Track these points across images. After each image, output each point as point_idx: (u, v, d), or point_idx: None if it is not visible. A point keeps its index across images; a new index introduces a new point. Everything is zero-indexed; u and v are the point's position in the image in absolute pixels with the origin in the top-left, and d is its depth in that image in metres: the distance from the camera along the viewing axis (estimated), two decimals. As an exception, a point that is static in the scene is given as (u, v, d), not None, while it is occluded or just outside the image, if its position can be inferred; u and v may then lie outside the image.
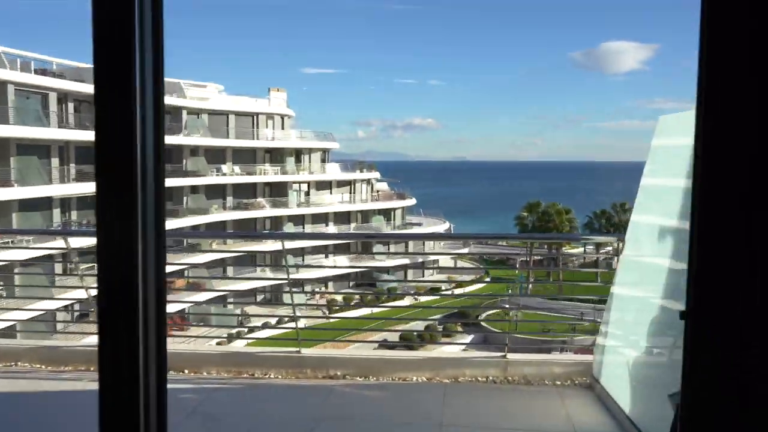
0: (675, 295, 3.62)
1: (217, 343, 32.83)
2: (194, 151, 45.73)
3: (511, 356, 5.14)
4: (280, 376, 5.15)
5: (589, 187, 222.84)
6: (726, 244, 1.61)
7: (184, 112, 45.19)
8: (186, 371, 5.27)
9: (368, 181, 59.37)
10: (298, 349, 5.26)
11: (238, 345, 33.52)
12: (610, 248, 64.70)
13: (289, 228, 51.02)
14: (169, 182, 41.68)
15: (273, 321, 34.37)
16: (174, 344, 6.03)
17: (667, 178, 3.91)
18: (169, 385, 4.50)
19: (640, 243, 4.33)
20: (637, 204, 4.27)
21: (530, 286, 52.91)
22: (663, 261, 3.78)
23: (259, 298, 45.47)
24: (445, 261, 64.59)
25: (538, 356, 5.36)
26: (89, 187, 34.34)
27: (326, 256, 54.51)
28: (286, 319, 41.03)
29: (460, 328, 45.60)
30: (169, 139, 42.61)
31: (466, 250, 66.23)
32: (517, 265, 69.29)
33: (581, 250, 69.64)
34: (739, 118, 1.62)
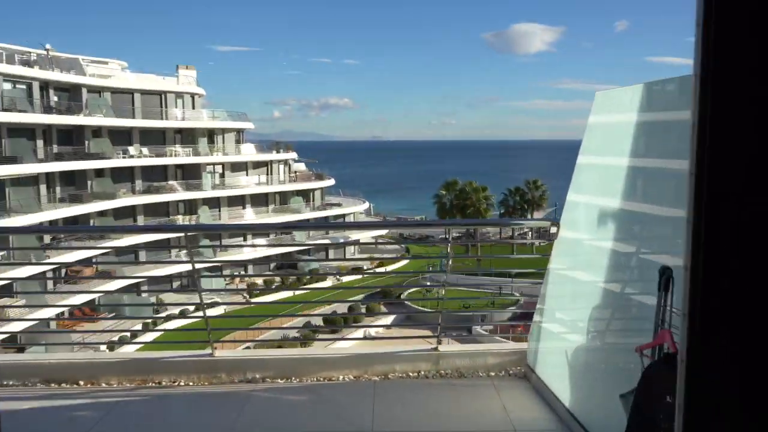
0: (617, 277, 3.45)
1: (129, 334, 31.19)
2: (97, 132, 42.91)
3: (442, 348, 4.86)
4: (191, 383, 4.62)
5: (504, 165, 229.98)
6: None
7: (84, 91, 42.21)
8: (81, 383, 4.62)
9: (285, 162, 58.13)
10: (210, 351, 4.73)
11: (147, 338, 31.79)
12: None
13: (204, 211, 49.16)
14: (71, 165, 38.99)
15: (191, 308, 33.11)
16: (71, 352, 5.32)
17: (607, 157, 3.70)
18: (60, 402, 3.84)
19: (577, 224, 4.13)
20: (574, 183, 4.03)
21: (450, 262, 54.16)
22: (604, 243, 3.58)
23: (176, 284, 43.73)
24: (366, 240, 64.63)
25: (471, 347, 5.11)
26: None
27: (245, 239, 53.12)
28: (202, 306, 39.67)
29: (384, 308, 45.79)
30: (69, 120, 39.77)
31: (385, 231, 66.59)
32: (436, 242, 70.69)
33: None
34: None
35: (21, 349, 31.39)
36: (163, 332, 35.83)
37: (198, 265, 5.22)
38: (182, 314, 27.17)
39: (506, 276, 42.65)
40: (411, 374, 4.73)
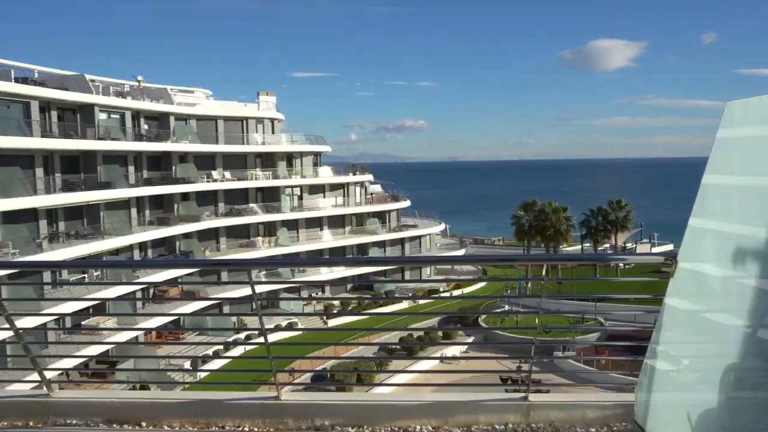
0: (764, 322, 2.80)
1: (202, 357, 31.81)
2: (183, 157, 44.79)
3: (533, 398, 4.27)
4: (256, 428, 4.28)
5: (583, 185, 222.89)
6: None
7: (172, 119, 44.25)
8: (143, 424, 4.39)
9: (362, 184, 58.51)
10: (276, 394, 4.38)
11: (215, 364, 32.29)
12: (607, 246, 64.08)
13: (283, 233, 50.05)
14: (159, 189, 40.74)
15: (271, 325, 33.53)
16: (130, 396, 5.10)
17: (747, 176, 3.05)
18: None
19: (705, 255, 3.47)
20: (698, 207, 3.37)
21: (529, 284, 52.34)
22: (744, 279, 2.93)
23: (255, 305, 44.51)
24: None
25: (566, 397, 4.49)
26: (76, 197, 33.41)
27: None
28: (284, 324, 40.14)
29: (460, 332, 44.71)
30: (158, 146, 41.70)
31: (462, 251, 65.54)
32: (515, 265, 68.85)
33: (578, 248, 69.07)
34: None
35: (113, 364, 32.75)
36: (229, 359, 36.65)
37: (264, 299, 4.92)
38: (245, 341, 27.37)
39: (588, 300, 40.59)
40: (497, 427, 4.18)
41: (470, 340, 44.27)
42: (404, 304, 50.13)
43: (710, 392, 3.16)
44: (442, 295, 50.07)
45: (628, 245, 69.47)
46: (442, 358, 37.68)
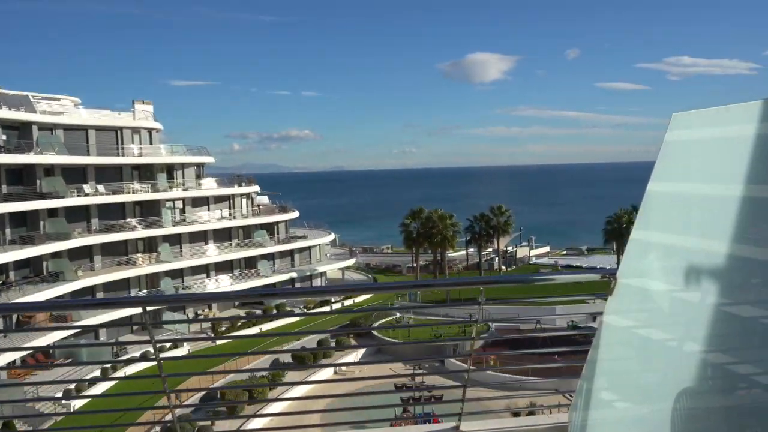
0: (717, 343, 2.68)
1: (90, 380, 29.38)
2: (49, 170, 41.24)
3: (466, 426, 4.09)
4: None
5: (466, 192, 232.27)
6: None
7: (35, 128, 40.66)
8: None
9: (248, 195, 57.00)
10: (170, 419, 3.94)
11: (103, 386, 30.10)
12: (490, 250, 66.76)
13: (165, 249, 47.50)
14: (21, 206, 37.19)
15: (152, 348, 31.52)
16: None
17: (699, 183, 2.91)
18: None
19: (649, 271, 3.31)
20: (642, 218, 3.18)
21: (419, 292, 53.46)
22: (695, 295, 2.81)
23: (137, 319, 41.87)
24: (333, 272, 63.57)
25: (500, 423, 4.31)
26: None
27: (208, 276, 51.53)
28: (168, 345, 37.94)
29: (353, 341, 44.63)
30: (18, 158, 38.12)
31: (352, 261, 65.70)
32: (404, 272, 70.12)
33: (463, 253, 71.69)
34: None
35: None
36: (117, 380, 34.22)
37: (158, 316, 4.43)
38: (138, 360, 25.71)
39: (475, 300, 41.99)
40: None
41: (364, 350, 44.30)
42: (296, 319, 49.30)
43: (651, 415, 3.11)
44: (335, 306, 49.75)
45: (509, 248, 73.10)
46: (335, 364, 37.34)
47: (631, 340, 3.50)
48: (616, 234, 59.23)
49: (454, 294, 48.79)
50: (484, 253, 66.24)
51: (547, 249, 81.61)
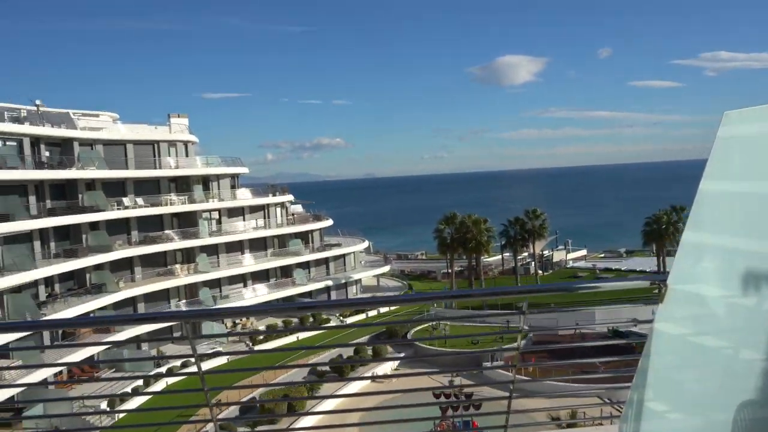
0: None
1: (134, 389, 29.89)
2: (90, 185, 42.33)
3: None
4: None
5: (498, 196, 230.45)
6: None
7: (76, 144, 41.79)
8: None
9: (282, 205, 57.56)
10: (213, 429, 3.94)
11: (144, 397, 30.64)
12: (526, 254, 65.95)
13: (202, 259, 48.27)
14: (65, 220, 38.24)
15: (193, 359, 31.97)
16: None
17: (754, 181, 2.71)
18: None
19: (703, 274, 3.13)
20: (695, 219, 2.98)
21: (453, 302, 53.00)
22: (754, 301, 2.64)
23: (177, 333, 42.55)
24: (368, 279, 63.66)
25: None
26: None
27: (245, 285, 52.15)
28: (207, 355, 38.44)
29: (389, 348, 44.51)
30: (61, 174, 39.24)
31: (387, 268, 65.69)
32: (439, 278, 69.74)
33: (499, 258, 70.95)
34: None
35: (19, 411, 30.12)
36: (158, 393, 34.81)
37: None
38: (179, 371, 26.05)
39: (515, 308, 41.48)
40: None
41: (401, 356, 44.17)
42: (332, 324, 49.35)
43: (709, 427, 2.96)
44: (370, 313, 49.71)
45: (546, 252, 72.11)
46: (373, 378, 37.27)
47: (684, 349, 3.35)
48: (656, 235, 57.84)
49: (491, 300, 48.27)
50: (519, 257, 65.43)
51: (584, 252, 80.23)
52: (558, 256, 74.34)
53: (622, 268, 66.69)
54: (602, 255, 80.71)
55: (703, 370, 3.12)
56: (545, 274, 67.40)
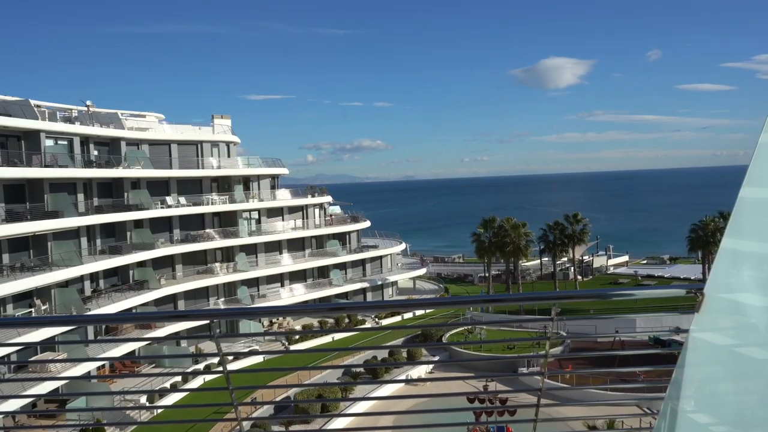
0: None
1: (172, 385, 30.57)
2: (135, 183, 43.49)
3: None
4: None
5: (538, 200, 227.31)
6: None
7: (123, 144, 43.00)
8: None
9: (320, 206, 58.02)
10: (238, 428, 3.99)
11: (173, 397, 31.18)
12: (565, 259, 64.90)
13: (241, 258, 49.04)
14: (111, 217, 39.37)
15: (229, 358, 32.48)
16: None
17: None
18: None
19: (745, 284, 3.03)
20: (734, 226, 2.89)
21: (490, 307, 52.60)
22: None
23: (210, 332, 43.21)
24: (404, 282, 63.62)
25: None
26: (22, 228, 31.91)
27: (282, 285, 52.74)
28: (245, 351, 39.01)
29: (424, 351, 44.38)
30: (108, 173, 40.41)
31: (423, 270, 65.51)
32: (476, 281, 69.19)
33: (537, 262, 69.94)
34: None
35: (63, 403, 31.15)
36: (192, 390, 35.47)
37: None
38: (215, 368, 26.38)
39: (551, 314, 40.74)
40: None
41: (435, 359, 44.00)
42: (367, 325, 49.46)
43: None
44: (405, 315, 49.58)
45: (586, 258, 70.77)
46: (407, 381, 37.22)
47: (722, 360, 3.23)
48: (702, 242, 56.13)
49: (529, 305, 47.66)
50: (559, 262, 64.37)
51: (626, 258, 78.41)
52: (598, 261, 72.84)
53: (665, 275, 64.93)
54: (644, 261, 78.73)
55: (742, 382, 3.00)
56: (585, 279, 66.16)
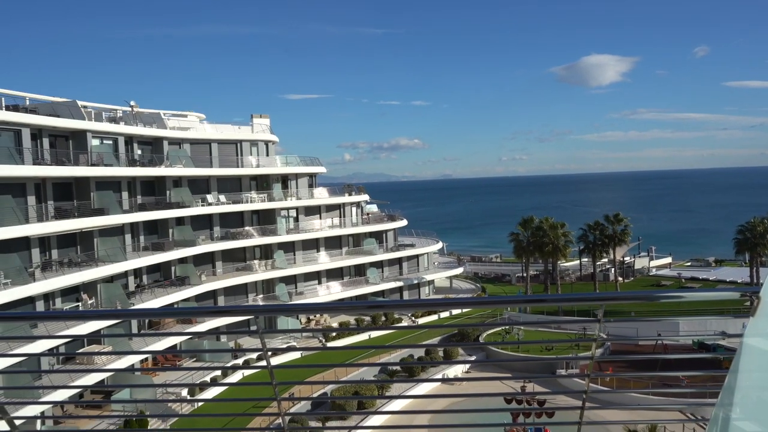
0: None
1: (212, 379, 31.17)
2: (177, 182, 44.45)
3: None
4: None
5: (578, 199, 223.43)
6: None
7: (166, 143, 43.99)
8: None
9: (358, 204, 58.27)
10: (279, 423, 4.03)
11: (216, 390, 31.78)
12: (605, 260, 63.67)
13: (279, 256, 49.64)
14: (154, 215, 40.31)
15: (270, 353, 32.91)
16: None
17: None
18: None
19: None
20: None
21: (527, 308, 51.95)
22: None
23: (253, 327, 44.00)
24: (441, 281, 63.38)
25: None
26: (69, 225, 32.92)
27: (319, 282, 53.18)
28: (284, 347, 39.52)
29: (461, 350, 44.14)
30: (151, 171, 41.38)
31: (460, 270, 65.15)
32: (514, 282, 68.46)
33: (576, 263, 68.77)
34: None
35: (108, 394, 32.10)
36: (233, 384, 36.03)
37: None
38: (254, 363, 26.85)
39: (592, 315, 40.15)
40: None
41: (472, 358, 43.73)
42: (403, 324, 49.48)
43: None
44: (442, 313, 49.31)
45: (627, 259, 69.27)
46: (443, 380, 37.06)
47: None
48: (750, 244, 54.29)
49: (567, 306, 46.94)
50: (599, 263, 63.15)
51: (669, 260, 76.43)
52: (640, 263, 71.19)
53: (710, 278, 63.04)
54: (689, 263, 76.59)
55: None
56: (626, 281, 64.76)
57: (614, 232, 58.26)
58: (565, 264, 67.16)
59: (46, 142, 34.27)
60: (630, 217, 60.98)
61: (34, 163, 32.29)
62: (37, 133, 33.71)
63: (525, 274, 59.61)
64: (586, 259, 65.52)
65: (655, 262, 73.76)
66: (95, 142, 37.84)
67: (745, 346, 3.08)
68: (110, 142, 39.58)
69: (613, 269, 62.69)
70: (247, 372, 36.32)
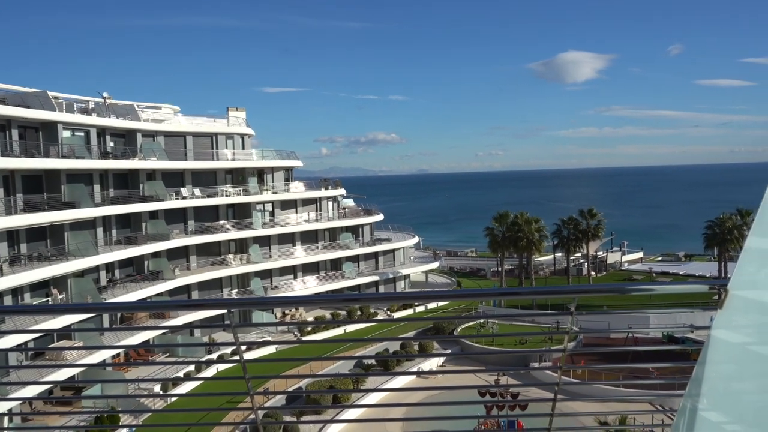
0: None
1: (186, 374, 30.89)
2: (151, 175, 43.82)
3: None
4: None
5: (553, 195, 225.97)
6: None
7: (139, 135, 43.32)
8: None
9: (334, 198, 58.13)
10: (253, 417, 4.03)
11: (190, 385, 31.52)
12: (579, 255, 64.49)
13: (254, 250, 49.31)
14: (126, 208, 39.71)
15: (243, 348, 32.71)
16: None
17: None
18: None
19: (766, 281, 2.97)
20: (761, 223, 2.82)
21: (502, 301, 52.38)
22: None
23: (227, 321, 43.57)
24: (417, 275, 63.62)
25: None
26: (39, 218, 32.25)
27: (295, 277, 52.98)
28: (249, 344, 39.34)
29: (436, 344, 44.42)
30: (124, 164, 40.75)
31: (436, 264, 65.46)
32: (489, 276, 69.01)
33: (551, 257, 69.61)
34: None
35: (79, 390, 31.60)
36: (206, 379, 35.78)
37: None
38: (228, 358, 26.75)
39: (565, 308, 40.68)
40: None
41: (447, 352, 44.01)
42: (379, 317, 49.58)
43: None
44: (417, 308, 49.58)
45: (600, 254, 70.30)
46: (419, 373, 37.28)
47: (745, 358, 3.18)
48: (718, 240, 55.49)
49: (541, 300, 47.49)
50: (572, 258, 64.02)
51: (640, 255, 77.78)
52: (612, 257, 72.32)
53: (680, 273, 64.33)
54: (659, 258, 78.06)
55: (763, 380, 2.97)
56: (598, 275, 65.75)
57: (588, 227, 59.10)
58: (540, 259, 67.86)
59: (15, 133, 33.50)
60: (603, 212, 61.87)
61: (3, 155, 31.55)
62: (6, 124, 32.95)
63: (500, 269, 60.14)
64: (560, 254, 66.35)
65: (627, 257, 75.00)
66: (66, 133, 37.10)
67: (712, 339, 3.16)
68: (82, 134, 38.85)
69: (586, 264, 63.61)
70: (222, 366, 36.06)
